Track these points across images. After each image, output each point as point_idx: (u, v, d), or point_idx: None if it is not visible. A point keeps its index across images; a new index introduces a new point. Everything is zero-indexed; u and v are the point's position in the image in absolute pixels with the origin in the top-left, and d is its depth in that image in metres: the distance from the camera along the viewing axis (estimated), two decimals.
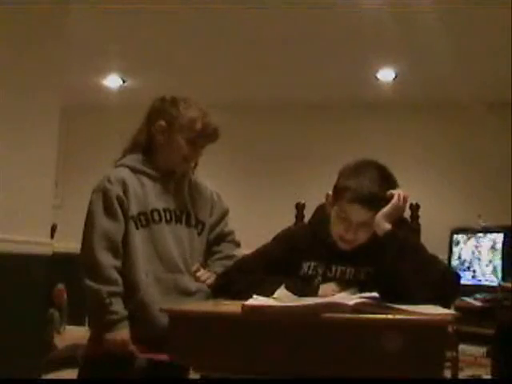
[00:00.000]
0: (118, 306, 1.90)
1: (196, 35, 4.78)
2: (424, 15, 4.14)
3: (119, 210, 1.96)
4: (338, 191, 1.80)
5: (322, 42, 4.83)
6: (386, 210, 1.75)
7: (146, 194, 2.00)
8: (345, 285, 1.78)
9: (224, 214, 2.16)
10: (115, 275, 1.92)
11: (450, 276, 1.78)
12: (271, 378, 1.45)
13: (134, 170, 2.02)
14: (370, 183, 1.75)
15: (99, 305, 1.90)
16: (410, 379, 1.35)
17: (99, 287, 1.90)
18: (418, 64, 5.21)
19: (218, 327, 1.49)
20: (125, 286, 1.94)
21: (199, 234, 2.07)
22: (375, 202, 1.74)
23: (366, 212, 1.74)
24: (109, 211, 1.95)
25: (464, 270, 4.90)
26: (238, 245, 2.16)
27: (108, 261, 1.92)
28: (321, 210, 1.94)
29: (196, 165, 2.13)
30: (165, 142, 2.02)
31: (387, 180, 1.80)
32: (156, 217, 1.99)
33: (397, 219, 1.78)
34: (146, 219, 1.98)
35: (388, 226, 1.75)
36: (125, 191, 1.97)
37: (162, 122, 2.02)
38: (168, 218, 2.01)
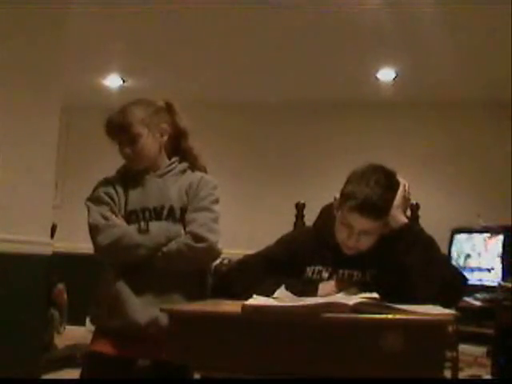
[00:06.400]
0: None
1: (196, 35, 4.78)
2: (424, 15, 4.14)
3: (107, 198, 2.01)
4: (342, 197, 1.79)
5: (322, 42, 4.83)
6: (397, 201, 1.77)
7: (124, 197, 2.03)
8: (345, 284, 1.78)
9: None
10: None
11: (460, 279, 1.77)
12: (271, 377, 1.45)
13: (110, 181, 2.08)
14: (372, 192, 1.72)
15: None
16: (410, 379, 1.36)
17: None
18: (418, 64, 5.22)
19: (218, 327, 1.49)
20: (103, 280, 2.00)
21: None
22: (375, 211, 1.72)
23: (367, 221, 1.73)
24: (99, 201, 2.01)
25: (464, 270, 4.90)
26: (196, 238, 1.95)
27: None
28: (325, 212, 1.93)
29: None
30: None
31: (391, 189, 1.78)
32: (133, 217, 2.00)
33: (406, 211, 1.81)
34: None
35: (404, 219, 1.76)
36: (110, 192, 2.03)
37: None
38: (147, 216, 1.99)
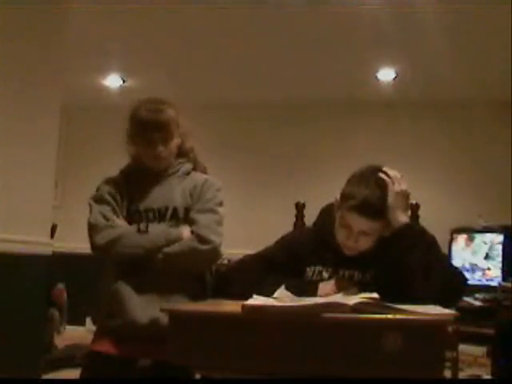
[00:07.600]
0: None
1: (196, 35, 4.78)
2: (424, 15, 4.14)
3: (110, 198, 2.00)
4: (342, 198, 1.79)
5: (322, 41, 4.83)
6: (390, 201, 1.74)
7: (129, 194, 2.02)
8: (345, 284, 1.78)
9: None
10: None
11: (460, 279, 1.77)
12: (271, 377, 1.45)
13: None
14: (370, 193, 1.72)
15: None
16: (410, 379, 1.36)
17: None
18: (417, 64, 5.22)
19: (218, 327, 1.49)
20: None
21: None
22: (374, 212, 1.72)
23: (365, 222, 1.73)
24: (102, 201, 2.00)
25: (464, 270, 4.91)
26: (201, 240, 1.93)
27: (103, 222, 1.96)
28: (325, 213, 1.93)
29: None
30: None
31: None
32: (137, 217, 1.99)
33: (407, 205, 1.79)
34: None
35: (405, 219, 1.76)
36: (113, 191, 2.02)
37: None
38: (151, 217, 1.99)
